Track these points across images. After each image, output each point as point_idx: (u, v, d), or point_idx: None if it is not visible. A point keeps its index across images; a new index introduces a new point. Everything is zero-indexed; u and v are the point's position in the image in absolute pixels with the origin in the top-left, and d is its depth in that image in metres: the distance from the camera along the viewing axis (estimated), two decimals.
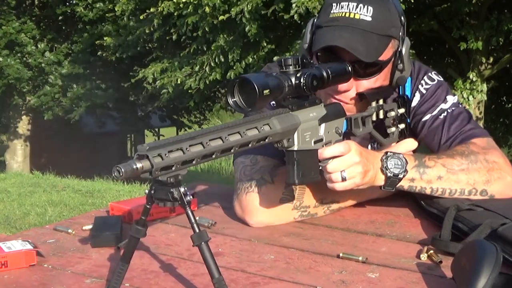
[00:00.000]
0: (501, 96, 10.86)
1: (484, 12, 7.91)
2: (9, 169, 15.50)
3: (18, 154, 15.96)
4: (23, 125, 16.02)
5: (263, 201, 1.40)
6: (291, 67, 1.20)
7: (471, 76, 7.96)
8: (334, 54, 1.38)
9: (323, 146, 1.28)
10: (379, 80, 1.45)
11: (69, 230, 1.39)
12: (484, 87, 8.08)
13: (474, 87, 7.91)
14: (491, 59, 8.46)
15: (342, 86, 1.40)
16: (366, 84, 1.43)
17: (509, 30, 7.61)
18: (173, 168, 0.94)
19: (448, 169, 1.38)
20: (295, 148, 1.22)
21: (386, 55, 1.42)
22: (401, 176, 1.35)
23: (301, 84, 1.20)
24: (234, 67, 8.09)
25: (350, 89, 1.42)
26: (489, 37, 7.82)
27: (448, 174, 1.38)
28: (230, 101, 1.14)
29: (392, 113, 1.49)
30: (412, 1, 6.63)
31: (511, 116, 10.94)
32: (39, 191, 9.49)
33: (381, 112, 1.47)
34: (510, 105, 11.12)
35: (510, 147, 12.21)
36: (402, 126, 1.52)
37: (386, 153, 1.36)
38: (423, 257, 1.20)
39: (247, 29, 7.46)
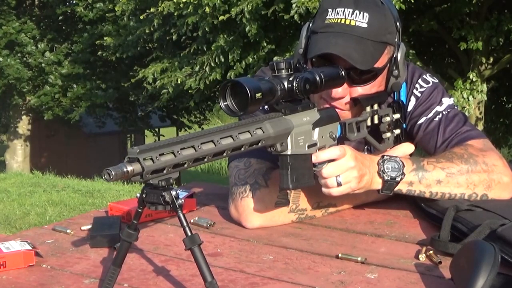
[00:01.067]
0: (501, 96, 10.85)
1: (484, 12, 7.90)
2: (9, 169, 15.51)
3: (18, 154, 15.97)
4: (23, 125, 16.03)
5: (259, 205, 1.40)
6: (283, 71, 1.19)
7: (471, 76, 7.95)
8: (329, 61, 1.37)
9: (316, 150, 1.27)
10: (374, 86, 1.44)
11: (68, 231, 1.39)
12: (484, 87, 8.07)
13: (474, 87, 7.90)
14: (491, 59, 8.45)
15: (336, 93, 1.39)
16: (361, 90, 1.42)
17: (509, 30, 7.61)
18: (164, 172, 0.94)
19: (447, 173, 1.38)
20: (289, 152, 1.21)
21: (381, 61, 1.41)
22: (398, 179, 1.34)
23: (294, 88, 1.19)
24: (234, 67, 8.09)
25: (345, 96, 1.41)
26: (489, 37, 7.82)
27: (447, 178, 1.38)
28: (222, 104, 1.13)
29: (387, 118, 1.48)
30: (412, 1, 6.63)
31: (511, 116, 10.93)
32: (39, 191, 9.49)
33: (375, 117, 1.46)
34: (510, 105, 11.11)
35: (510, 147, 12.22)
36: (397, 131, 1.51)
37: (383, 156, 1.35)
38: (422, 257, 1.20)
39: (247, 29, 7.46)
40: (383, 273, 1.15)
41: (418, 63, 7.83)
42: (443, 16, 7.91)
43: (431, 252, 1.21)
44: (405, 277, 1.13)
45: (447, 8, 7.75)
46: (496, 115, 10.73)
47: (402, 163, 1.35)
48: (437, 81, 1.57)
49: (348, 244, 1.30)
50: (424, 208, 1.42)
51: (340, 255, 1.22)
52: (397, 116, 1.51)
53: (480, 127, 8.09)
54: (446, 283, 1.09)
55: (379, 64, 1.41)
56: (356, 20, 1.36)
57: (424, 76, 1.56)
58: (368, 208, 1.53)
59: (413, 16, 7.82)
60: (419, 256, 1.21)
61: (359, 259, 1.20)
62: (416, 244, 1.30)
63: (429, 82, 1.55)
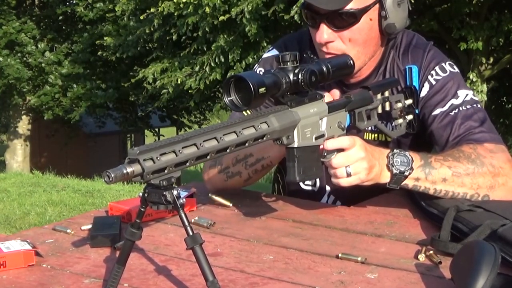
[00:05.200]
0: (501, 97, 10.85)
1: (484, 13, 7.90)
2: (9, 168, 15.52)
3: (18, 153, 15.97)
4: (23, 125, 16.03)
5: (205, 172, 1.62)
6: (289, 63, 1.19)
7: (471, 77, 7.95)
8: (311, 11, 1.43)
9: (324, 141, 1.27)
10: (363, 30, 1.45)
11: (68, 230, 1.39)
12: (484, 87, 8.07)
13: (474, 87, 7.90)
14: (491, 60, 8.45)
15: (321, 38, 1.44)
16: (349, 34, 1.44)
17: (509, 31, 7.61)
18: (166, 171, 0.94)
19: (453, 172, 1.37)
20: (295, 145, 1.21)
21: (359, 2, 1.42)
22: (406, 173, 1.34)
23: (299, 80, 1.19)
24: (234, 67, 8.09)
25: (334, 40, 1.44)
26: (489, 37, 7.81)
27: (453, 177, 1.37)
28: (226, 100, 1.13)
29: (399, 105, 1.47)
30: (412, 1, 6.62)
31: (511, 116, 10.94)
32: (39, 191, 9.49)
33: (387, 104, 1.46)
34: (510, 105, 11.12)
35: (510, 148, 12.21)
36: (410, 117, 1.50)
37: (393, 150, 1.36)
38: (421, 257, 1.20)
39: (247, 29, 7.46)
40: (383, 273, 1.15)
41: None
42: (443, 16, 7.91)
43: (431, 252, 1.21)
44: (405, 277, 1.13)
45: (447, 8, 7.75)
46: (496, 115, 10.72)
47: (411, 158, 1.35)
48: (456, 70, 1.55)
49: (348, 244, 1.30)
50: (424, 207, 1.42)
51: (340, 255, 1.22)
52: (409, 101, 1.50)
53: None
54: (446, 283, 1.09)
55: (356, 5, 1.42)
56: None
57: (442, 64, 1.54)
58: (369, 208, 1.53)
59: (413, 16, 7.82)
60: (419, 256, 1.20)
61: (359, 259, 1.20)
62: (416, 244, 1.30)
63: (446, 71, 1.53)
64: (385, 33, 1.48)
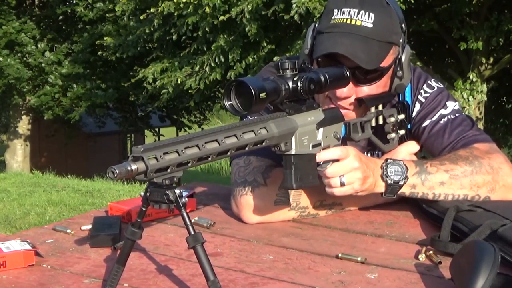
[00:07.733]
0: (501, 97, 10.87)
1: (484, 13, 7.92)
2: (9, 168, 15.50)
3: (18, 153, 15.95)
4: (23, 125, 16.02)
5: (257, 202, 1.41)
6: (288, 70, 1.20)
7: (471, 77, 7.97)
8: (335, 61, 1.38)
9: (320, 150, 1.28)
10: (380, 86, 1.44)
11: (68, 230, 1.39)
12: (484, 87, 8.09)
13: (474, 87, 7.92)
14: (491, 60, 8.47)
15: (342, 93, 1.40)
16: (367, 90, 1.43)
17: (509, 31, 7.63)
18: (169, 170, 0.94)
19: (451, 175, 1.37)
20: (293, 152, 1.22)
21: (386, 61, 1.41)
22: (401, 183, 1.34)
23: (298, 87, 1.20)
24: (234, 67, 8.10)
25: (351, 96, 1.42)
26: (489, 37, 7.83)
27: (450, 180, 1.37)
28: (227, 104, 1.14)
29: (392, 119, 1.48)
30: (412, 1, 6.64)
31: (511, 116, 10.96)
32: (39, 191, 9.48)
33: (380, 117, 1.46)
34: (510, 105, 11.13)
35: (510, 148, 12.23)
36: (402, 132, 1.51)
37: (386, 160, 1.36)
38: (422, 257, 1.20)
39: (247, 29, 7.47)
40: (383, 273, 1.15)
41: (418, 63, 7.84)
42: (443, 16, 7.93)
43: (431, 252, 1.21)
44: (405, 277, 1.13)
45: (447, 8, 7.77)
46: (496, 115, 10.74)
47: (406, 166, 1.35)
48: (442, 86, 1.57)
49: (348, 244, 1.30)
50: (424, 208, 1.42)
51: (340, 255, 1.23)
52: (402, 116, 1.51)
53: (480, 127, 8.10)
54: (446, 283, 1.09)
55: (384, 63, 1.41)
56: (362, 20, 1.36)
57: (429, 82, 1.56)
58: (368, 208, 1.53)
59: (413, 16, 7.83)
60: (419, 256, 1.21)
61: (359, 259, 1.20)
62: (416, 244, 1.30)
63: (433, 87, 1.55)
64: (393, 91, 1.47)
